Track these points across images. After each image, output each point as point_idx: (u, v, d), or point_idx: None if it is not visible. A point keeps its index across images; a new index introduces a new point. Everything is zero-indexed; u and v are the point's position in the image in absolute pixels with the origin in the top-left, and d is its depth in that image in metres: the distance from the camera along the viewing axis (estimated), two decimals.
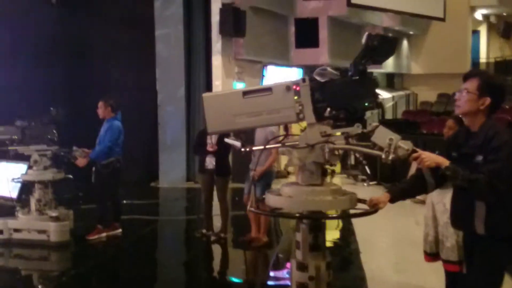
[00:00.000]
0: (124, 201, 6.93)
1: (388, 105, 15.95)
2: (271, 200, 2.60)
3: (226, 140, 5.90)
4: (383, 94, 14.67)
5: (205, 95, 2.57)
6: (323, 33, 11.94)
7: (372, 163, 9.54)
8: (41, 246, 5.85)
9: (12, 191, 7.37)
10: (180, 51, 10.07)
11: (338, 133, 2.56)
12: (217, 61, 9.93)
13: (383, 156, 2.42)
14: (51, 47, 9.73)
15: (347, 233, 6.49)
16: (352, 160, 10.97)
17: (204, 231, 6.30)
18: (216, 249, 6.24)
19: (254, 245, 5.88)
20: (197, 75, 10.30)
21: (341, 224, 6.80)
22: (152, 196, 9.43)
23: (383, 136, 2.45)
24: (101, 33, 10.09)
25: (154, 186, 10.16)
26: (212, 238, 6.21)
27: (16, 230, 6.00)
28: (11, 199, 7.30)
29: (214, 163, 6.03)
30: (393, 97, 16.51)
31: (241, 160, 6.15)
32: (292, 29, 11.97)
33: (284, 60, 11.83)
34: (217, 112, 2.54)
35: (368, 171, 9.84)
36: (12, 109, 7.39)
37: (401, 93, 17.80)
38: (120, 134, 6.29)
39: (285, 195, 2.57)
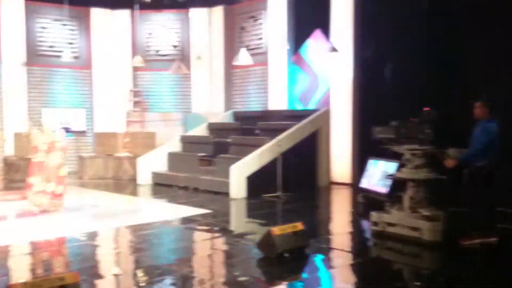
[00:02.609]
0: (498, 209, 6.36)
1: None
2: None
3: None
4: None
5: None
6: None
7: None
8: (413, 242, 6.01)
9: (384, 187, 7.98)
10: None
11: None
12: None
13: None
14: (421, 52, 10.01)
15: None
16: None
17: None
18: None
19: None
20: None
21: None
22: None
23: None
24: (471, 32, 9.67)
25: None
26: None
27: (389, 224, 6.38)
28: (383, 194, 7.90)
29: None
30: None
31: None
32: None
33: None
34: None
35: None
36: (388, 110, 7.92)
37: None
38: (494, 137, 5.97)
39: None
